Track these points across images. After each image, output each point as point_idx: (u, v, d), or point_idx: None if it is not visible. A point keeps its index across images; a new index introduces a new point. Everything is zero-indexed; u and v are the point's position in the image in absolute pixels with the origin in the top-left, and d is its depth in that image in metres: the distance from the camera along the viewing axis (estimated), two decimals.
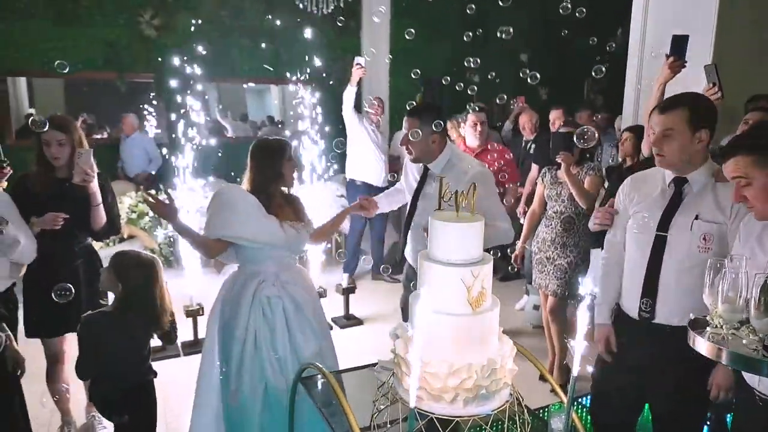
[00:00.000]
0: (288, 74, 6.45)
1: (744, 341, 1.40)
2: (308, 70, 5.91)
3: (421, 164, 2.77)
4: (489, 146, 4.45)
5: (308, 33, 5.69)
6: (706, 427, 2.37)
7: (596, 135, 2.43)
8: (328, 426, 1.71)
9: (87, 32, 6.83)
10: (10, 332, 2.25)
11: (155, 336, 2.49)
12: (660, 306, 2.06)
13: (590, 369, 2.22)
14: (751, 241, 1.72)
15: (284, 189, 2.58)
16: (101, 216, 2.77)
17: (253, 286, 2.44)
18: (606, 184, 3.57)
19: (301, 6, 5.98)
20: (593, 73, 2.80)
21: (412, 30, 3.45)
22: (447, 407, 1.38)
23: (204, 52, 5.36)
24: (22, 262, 2.61)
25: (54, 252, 2.70)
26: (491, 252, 1.62)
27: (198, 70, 5.15)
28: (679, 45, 2.54)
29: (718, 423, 2.48)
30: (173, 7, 6.99)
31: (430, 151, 2.66)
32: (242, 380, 2.40)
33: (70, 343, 2.83)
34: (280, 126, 8.93)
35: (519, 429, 1.46)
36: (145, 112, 7.25)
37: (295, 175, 2.58)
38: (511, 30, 2.86)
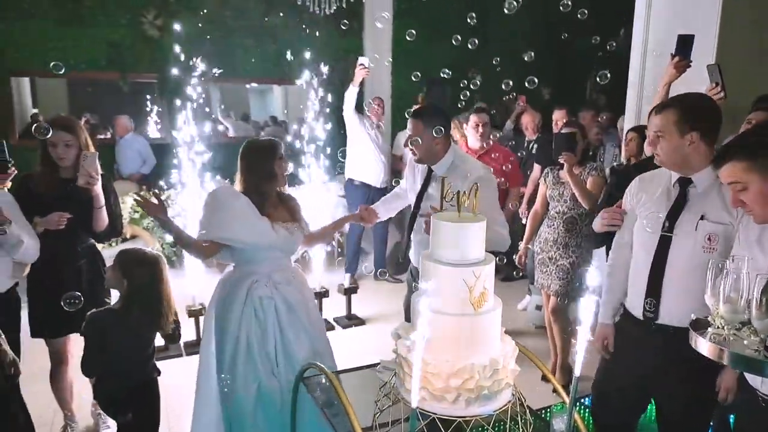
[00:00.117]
0: (290, 74, 6.47)
1: (745, 342, 1.40)
2: (310, 70, 5.91)
3: (425, 165, 2.78)
4: (492, 148, 4.40)
5: (310, 33, 5.70)
6: (709, 429, 2.37)
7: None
8: (329, 426, 1.71)
9: (90, 32, 6.86)
10: (1, 333, 2.24)
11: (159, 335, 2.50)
12: (664, 306, 2.06)
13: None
14: (751, 242, 1.72)
15: (279, 188, 2.58)
16: (103, 218, 2.79)
17: (246, 286, 2.45)
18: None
19: (302, 5, 5.99)
20: (597, 79, 2.80)
21: (413, 31, 3.45)
22: (449, 407, 1.38)
23: (206, 53, 5.36)
24: (26, 262, 2.62)
25: (58, 252, 2.71)
26: (498, 259, 1.62)
27: (200, 71, 5.15)
28: (685, 45, 2.53)
29: (721, 424, 2.47)
30: (175, 7, 7.01)
31: (434, 152, 2.67)
32: (235, 380, 2.41)
33: (74, 344, 2.85)
34: (283, 126, 8.94)
35: (521, 429, 1.46)
36: (149, 113, 7.26)
37: (287, 173, 2.56)
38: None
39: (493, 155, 4.33)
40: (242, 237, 2.39)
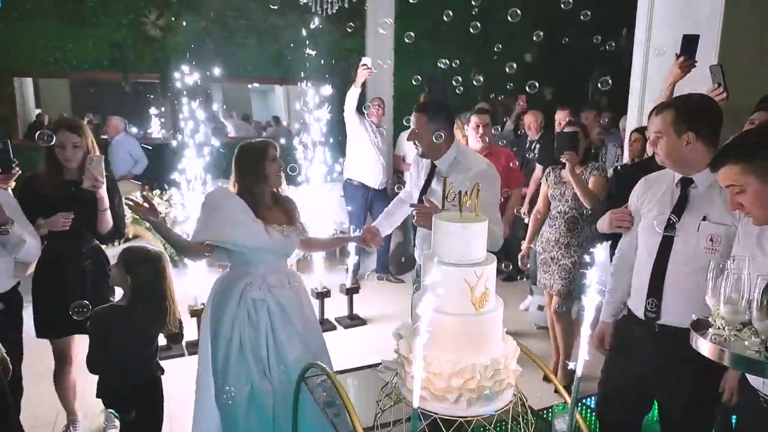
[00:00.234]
0: (292, 74, 6.47)
1: (746, 343, 1.40)
2: (313, 70, 5.92)
3: (428, 162, 2.78)
4: (494, 150, 4.36)
5: (313, 33, 5.70)
6: (712, 430, 2.37)
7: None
8: (330, 426, 1.71)
9: (92, 33, 6.87)
10: None
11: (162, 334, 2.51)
12: (665, 306, 2.06)
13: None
14: (751, 243, 1.72)
15: (274, 189, 2.57)
16: (107, 221, 2.80)
17: (240, 287, 2.45)
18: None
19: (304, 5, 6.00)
20: (599, 85, 2.81)
21: (412, 33, 3.45)
22: (450, 407, 1.39)
23: (208, 53, 5.37)
24: (28, 261, 2.63)
25: (62, 252, 2.73)
26: (504, 265, 1.62)
27: (202, 71, 5.16)
28: (690, 45, 2.54)
29: (723, 424, 2.47)
30: (178, 7, 7.02)
31: (437, 147, 2.67)
32: (228, 381, 2.41)
33: (78, 344, 2.85)
34: (286, 126, 8.93)
35: (523, 429, 1.46)
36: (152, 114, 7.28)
37: (280, 174, 2.56)
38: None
39: (494, 159, 4.30)
40: (235, 239, 2.39)
